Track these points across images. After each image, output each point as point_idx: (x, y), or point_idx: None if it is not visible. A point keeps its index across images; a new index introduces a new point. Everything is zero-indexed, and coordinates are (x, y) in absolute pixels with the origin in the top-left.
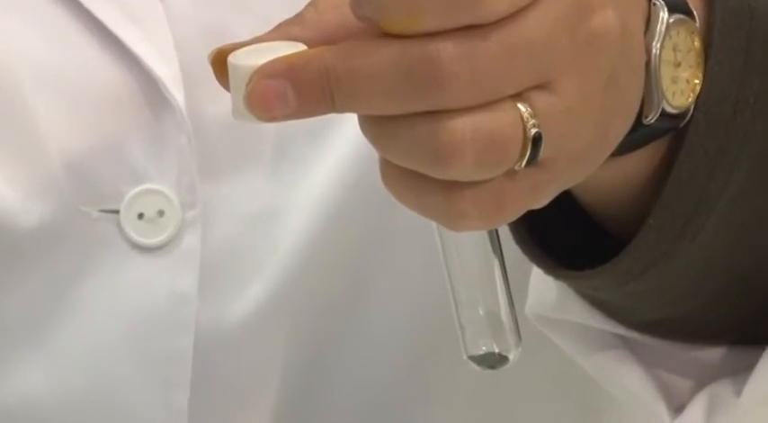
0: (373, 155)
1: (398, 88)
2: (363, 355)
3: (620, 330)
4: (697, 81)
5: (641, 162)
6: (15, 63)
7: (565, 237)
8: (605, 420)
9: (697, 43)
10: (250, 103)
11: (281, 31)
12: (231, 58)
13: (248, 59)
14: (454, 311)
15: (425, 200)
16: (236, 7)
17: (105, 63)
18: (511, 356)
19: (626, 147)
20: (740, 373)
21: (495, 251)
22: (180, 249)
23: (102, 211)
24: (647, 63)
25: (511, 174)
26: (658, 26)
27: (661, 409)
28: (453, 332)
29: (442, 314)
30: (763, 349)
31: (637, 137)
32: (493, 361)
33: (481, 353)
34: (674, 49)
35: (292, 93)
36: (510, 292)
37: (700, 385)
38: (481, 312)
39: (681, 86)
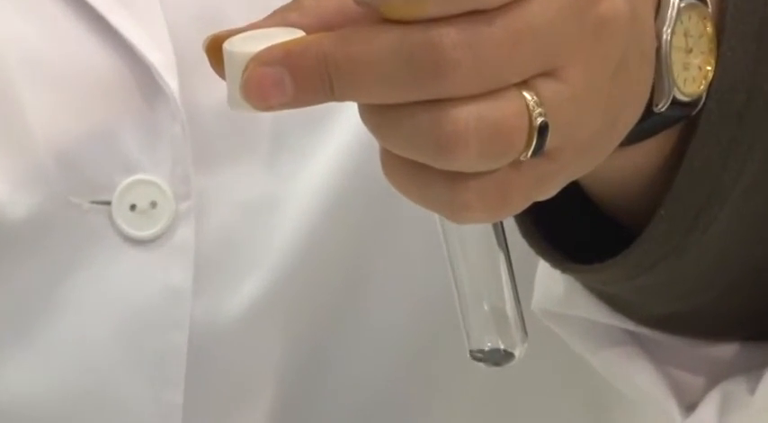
0: (373, 144)
1: (399, 76)
2: (364, 350)
3: (630, 326)
4: (709, 68)
5: (652, 152)
6: (2, 48)
7: (572, 229)
8: (614, 419)
9: (709, 29)
10: (246, 91)
11: (278, 18)
12: (227, 45)
13: (244, 46)
14: (458, 307)
15: (428, 191)
16: None
17: (96, 49)
18: (516, 353)
19: (636, 136)
20: (754, 369)
21: (500, 244)
22: (173, 242)
23: (93, 202)
24: (658, 49)
25: (516, 164)
26: (669, 11)
27: (672, 408)
28: (457, 328)
29: (446, 309)
30: None
31: (647, 126)
32: (498, 358)
33: (486, 349)
34: (686, 35)
35: (290, 80)
36: (515, 287)
37: (712, 383)
38: (486, 307)
39: (692, 73)
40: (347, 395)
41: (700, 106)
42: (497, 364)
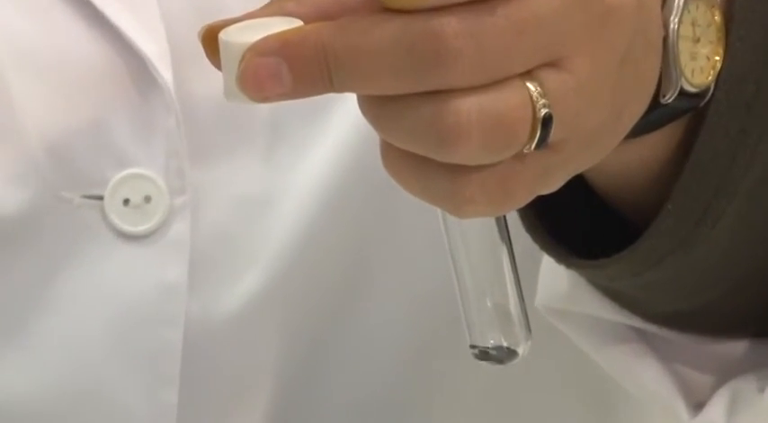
0: (373, 137)
1: (400, 66)
2: (363, 347)
3: (636, 323)
4: (717, 58)
5: (658, 144)
6: None
7: (577, 224)
8: (620, 419)
9: (717, 17)
10: (243, 82)
11: (276, 7)
12: (222, 35)
13: (241, 36)
14: (460, 303)
15: (429, 185)
16: None
17: (88, 40)
18: (520, 351)
19: (642, 128)
20: (764, 367)
21: (503, 239)
22: (168, 238)
23: (85, 197)
24: (665, 39)
25: (520, 157)
26: (676, 0)
27: (679, 407)
28: (459, 325)
29: (447, 306)
30: None
31: (654, 117)
32: (501, 356)
33: (488, 347)
34: (693, 24)
35: (287, 71)
36: (519, 283)
37: (721, 381)
38: (489, 304)
39: (700, 63)
40: (346, 393)
41: (708, 97)
42: (500, 362)
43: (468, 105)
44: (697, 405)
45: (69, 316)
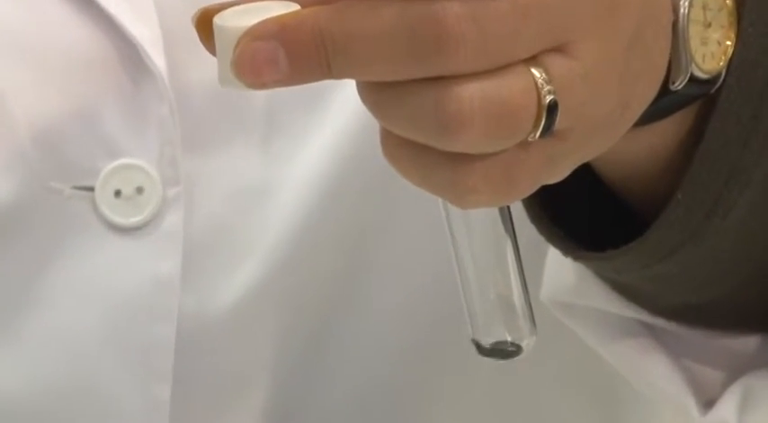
0: (373, 125)
1: (400, 52)
2: (362, 342)
3: (644, 317)
4: (729, 43)
5: (668, 132)
6: None
7: (584, 215)
8: (627, 417)
9: (729, 1)
10: (238, 68)
11: None
12: (217, 20)
13: (236, 21)
14: (462, 297)
15: (431, 174)
16: None
17: (77, 24)
18: (524, 346)
19: (651, 115)
20: None
21: (507, 230)
22: (161, 230)
23: (75, 188)
24: (675, 23)
25: (524, 145)
26: None
27: (690, 404)
28: (461, 319)
29: (449, 299)
30: None
31: (663, 104)
32: (505, 351)
33: (492, 342)
34: (704, 8)
35: (284, 57)
36: (524, 276)
37: (732, 377)
38: (492, 297)
39: (711, 49)
40: (345, 387)
41: (719, 83)
42: (504, 357)
43: (470, 92)
44: (707, 402)
45: (60, 311)
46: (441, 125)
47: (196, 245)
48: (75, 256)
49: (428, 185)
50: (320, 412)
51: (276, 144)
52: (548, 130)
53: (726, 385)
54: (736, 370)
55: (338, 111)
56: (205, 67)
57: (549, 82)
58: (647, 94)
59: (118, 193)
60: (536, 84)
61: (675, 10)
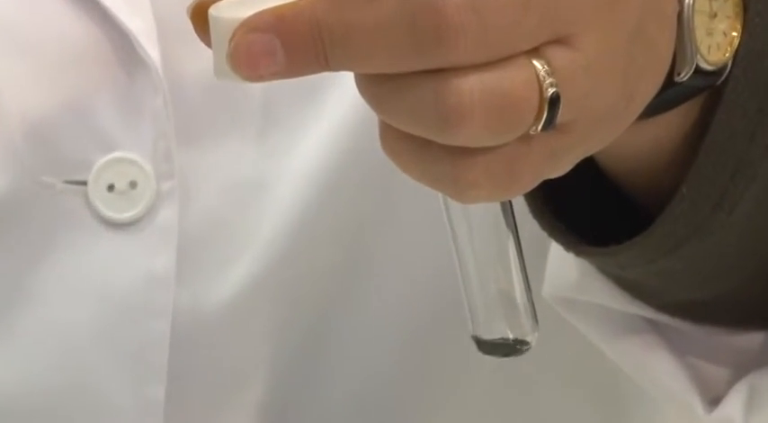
0: (371, 118)
1: (399, 44)
2: (361, 339)
3: (648, 313)
4: (735, 33)
5: (673, 125)
6: None
7: (587, 209)
8: (631, 415)
9: None
10: (234, 60)
11: None
12: (212, 11)
13: (232, 12)
14: (463, 293)
15: (430, 168)
16: None
17: (71, 16)
18: (526, 343)
19: (656, 108)
20: None
21: (508, 225)
22: (155, 225)
23: (68, 182)
24: (679, 14)
25: (526, 139)
26: None
27: (694, 402)
28: (462, 316)
29: (449, 296)
30: None
31: (668, 96)
32: (506, 348)
33: (493, 339)
34: None
35: (281, 49)
36: (525, 271)
37: (738, 375)
38: (493, 293)
39: (717, 40)
40: (344, 386)
41: (725, 75)
42: (506, 354)
43: (470, 84)
44: (713, 400)
45: (52, 307)
46: (441, 118)
47: (191, 240)
48: (68, 251)
49: (428, 180)
50: (318, 409)
51: (273, 137)
52: (550, 123)
53: (731, 383)
54: (741, 367)
55: (336, 103)
56: (200, 59)
57: (550, 74)
58: (651, 85)
59: (111, 188)
60: (538, 76)
61: (680, 0)
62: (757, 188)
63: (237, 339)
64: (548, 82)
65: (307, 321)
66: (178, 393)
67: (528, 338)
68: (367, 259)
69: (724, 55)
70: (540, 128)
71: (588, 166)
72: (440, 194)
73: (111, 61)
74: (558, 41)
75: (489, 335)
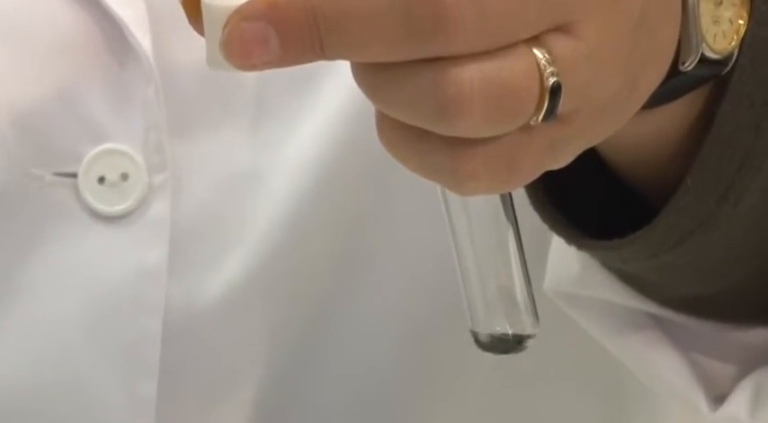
0: (368, 108)
1: (396, 32)
2: (358, 336)
3: (652, 308)
4: (741, 21)
5: (677, 115)
6: None
7: (589, 202)
8: (634, 412)
9: None
10: (227, 49)
11: None
12: None
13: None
14: (461, 288)
15: (428, 159)
16: None
17: (60, 4)
18: (526, 339)
19: (660, 97)
20: None
21: (508, 218)
22: (147, 218)
23: (57, 174)
24: (684, 1)
25: (526, 129)
26: None
27: (699, 399)
28: (461, 312)
29: (448, 291)
30: None
31: (672, 86)
32: (506, 345)
33: (492, 334)
34: None
35: (275, 37)
36: (526, 266)
37: (743, 371)
38: (493, 288)
39: (723, 28)
40: (339, 384)
41: (731, 64)
42: (505, 351)
43: (470, 74)
44: (718, 397)
45: (41, 302)
46: (439, 108)
47: (183, 233)
48: (58, 245)
49: (426, 171)
50: (314, 407)
51: (267, 128)
52: (551, 113)
53: (737, 380)
54: (747, 364)
55: (332, 93)
56: (192, 48)
57: (551, 63)
58: (655, 75)
59: (102, 180)
60: (538, 65)
61: None
62: (763, 180)
63: (231, 335)
64: (548, 71)
65: (303, 316)
66: (170, 391)
67: (528, 334)
68: (364, 252)
69: (730, 43)
70: (540, 118)
71: (590, 158)
72: (438, 186)
73: (102, 50)
74: (560, 29)
75: (488, 330)
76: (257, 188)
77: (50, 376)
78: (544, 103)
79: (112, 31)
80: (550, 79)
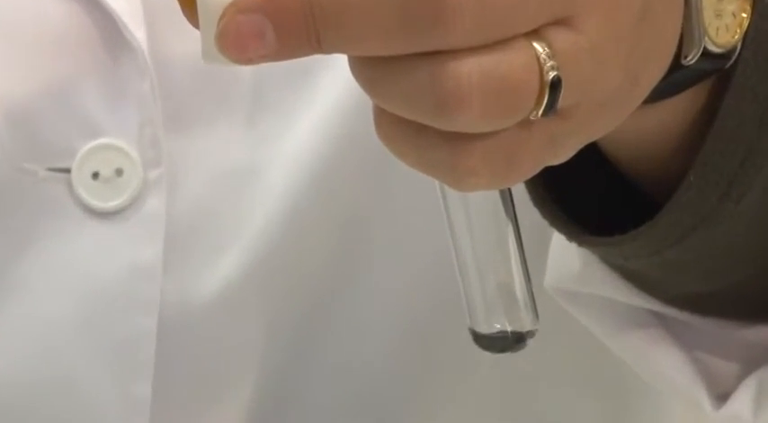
0: (366, 102)
1: (394, 25)
2: (355, 334)
3: (654, 306)
4: (745, 15)
5: (680, 110)
6: None
7: (590, 198)
8: (636, 411)
9: None
10: (222, 42)
11: None
12: None
13: None
14: (460, 284)
15: (427, 155)
16: None
17: None
18: (526, 337)
19: (662, 92)
20: None
21: (508, 214)
22: (141, 214)
23: (51, 169)
24: None
25: (526, 124)
26: None
27: (702, 398)
28: (460, 309)
29: (447, 288)
30: None
31: (675, 80)
32: (504, 343)
33: (491, 332)
34: None
35: (271, 30)
36: (525, 262)
37: (746, 370)
38: (492, 285)
39: (726, 21)
40: (337, 382)
41: (734, 58)
42: (504, 349)
43: (468, 68)
44: (721, 396)
45: (33, 299)
46: (437, 103)
47: (179, 230)
48: (51, 241)
49: (424, 167)
50: (312, 405)
51: (263, 122)
52: (551, 107)
53: (740, 378)
54: (751, 362)
55: (329, 87)
56: (188, 42)
57: (552, 57)
58: (657, 69)
59: (96, 176)
60: (538, 59)
61: None
62: (766, 176)
63: (227, 333)
64: (549, 65)
65: (300, 313)
66: (165, 389)
67: (527, 332)
68: (362, 249)
69: (733, 37)
70: (540, 113)
71: (591, 153)
72: (437, 182)
73: (95, 43)
74: (560, 23)
75: (487, 328)
76: (254, 183)
77: (43, 373)
78: (544, 98)
79: (106, 24)
80: (550, 73)
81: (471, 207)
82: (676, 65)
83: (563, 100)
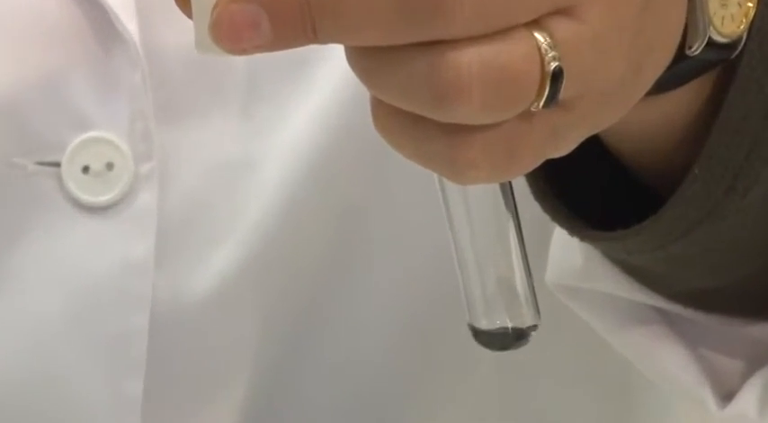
0: (363, 93)
1: (392, 14)
2: (353, 331)
3: (658, 302)
4: (750, 4)
5: (684, 101)
6: None
7: (592, 191)
8: (639, 409)
9: None
10: (216, 32)
11: None
12: None
13: None
14: (460, 280)
15: (425, 147)
16: None
17: None
18: (527, 333)
19: (666, 83)
20: None
21: (508, 208)
22: (133, 209)
23: (40, 163)
24: None
25: (527, 116)
26: None
27: (706, 396)
28: (459, 306)
29: (446, 284)
30: None
31: (679, 71)
32: (505, 339)
33: (491, 328)
34: None
35: (266, 20)
36: (526, 257)
37: (752, 368)
38: (492, 281)
39: (731, 11)
40: (333, 379)
41: (739, 49)
42: (505, 346)
43: (468, 58)
44: (726, 394)
45: (22, 294)
46: (436, 94)
47: (171, 225)
48: (40, 236)
49: (422, 159)
50: (308, 403)
51: (259, 113)
52: (552, 99)
53: (746, 376)
54: (756, 360)
55: (325, 77)
56: (180, 32)
57: (553, 47)
58: (661, 59)
59: (86, 169)
60: (539, 49)
61: None
62: None
63: (222, 329)
64: (550, 55)
65: (296, 308)
66: (157, 387)
67: (528, 329)
68: (360, 243)
69: (738, 27)
70: (541, 104)
71: (593, 145)
72: (436, 174)
73: (86, 35)
74: (562, 12)
75: (487, 324)
76: (249, 176)
77: (32, 370)
78: (545, 89)
79: (97, 15)
80: (552, 64)
81: (471, 200)
82: (681, 55)
83: (565, 91)
